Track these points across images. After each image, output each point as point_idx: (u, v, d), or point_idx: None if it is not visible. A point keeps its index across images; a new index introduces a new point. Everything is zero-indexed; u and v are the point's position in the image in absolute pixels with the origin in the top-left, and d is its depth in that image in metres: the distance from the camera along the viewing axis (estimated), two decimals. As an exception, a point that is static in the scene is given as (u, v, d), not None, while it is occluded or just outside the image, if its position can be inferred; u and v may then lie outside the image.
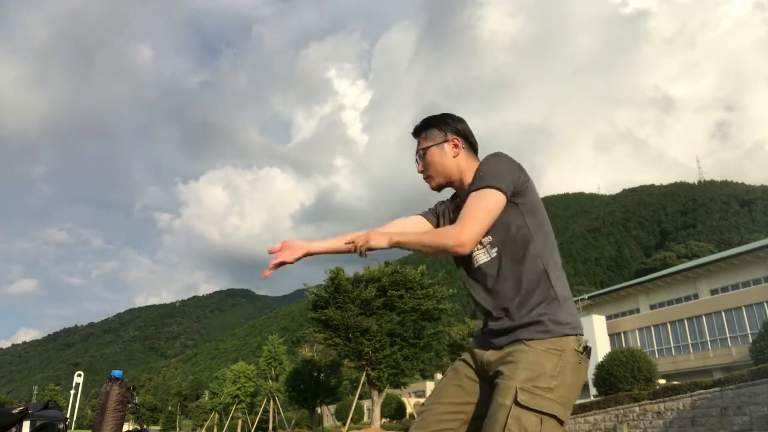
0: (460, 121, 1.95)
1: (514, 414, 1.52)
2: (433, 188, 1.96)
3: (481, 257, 1.77)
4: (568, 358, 1.60)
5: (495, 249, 1.75)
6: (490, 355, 1.71)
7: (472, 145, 1.94)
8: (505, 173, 1.71)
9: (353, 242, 1.80)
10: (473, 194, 1.71)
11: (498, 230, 1.74)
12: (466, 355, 1.83)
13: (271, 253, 1.84)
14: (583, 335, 1.68)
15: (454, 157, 1.89)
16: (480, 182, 1.71)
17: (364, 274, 22.59)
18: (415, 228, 1.95)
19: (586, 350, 1.65)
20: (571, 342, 1.63)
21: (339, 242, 1.88)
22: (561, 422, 1.56)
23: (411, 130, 2.00)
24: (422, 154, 1.94)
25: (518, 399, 1.53)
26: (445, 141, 1.90)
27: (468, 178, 1.85)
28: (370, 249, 1.79)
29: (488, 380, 1.70)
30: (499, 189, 1.68)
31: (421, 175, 1.96)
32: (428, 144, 1.92)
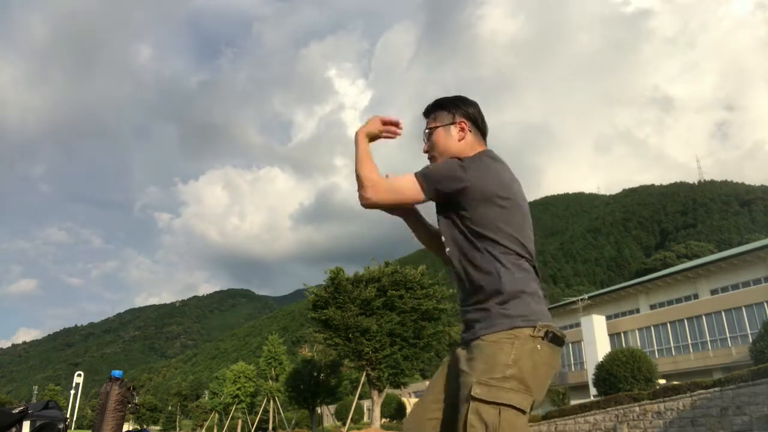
0: (472, 104, 1.95)
1: (473, 408, 1.55)
2: None
3: (447, 250, 1.84)
4: (523, 345, 1.60)
5: (447, 249, 1.81)
6: (460, 352, 1.75)
7: (480, 131, 1.95)
8: (439, 176, 1.75)
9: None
10: (401, 175, 1.79)
11: (445, 231, 1.81)
12: (451, 352, 1.88)
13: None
14: (540, 323, 1.65)
15: (459, 140, 1.90)
16: (421, 168, 1.80)
17: (364, 274, 22.60)
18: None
19: (548, 335, 1.63)
20: (525, 331, 1.63)
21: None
22: (522, 411, 1.56)
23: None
24: (428, 134, 1.96)
25: (473, 393, 1.55)
26: (453, 123, 1.91)
27: None
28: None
29: (458, 375, 1.73)
30: (420, 182, 1.75)
31: (426, 154, 1.98)
32: (435, 125, 1.94)
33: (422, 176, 1.76)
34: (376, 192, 1.76)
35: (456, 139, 1.90)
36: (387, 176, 1.83)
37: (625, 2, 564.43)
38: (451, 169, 1.74)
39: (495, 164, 1.81)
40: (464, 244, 1.76)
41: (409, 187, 1.76)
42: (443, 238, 1.83)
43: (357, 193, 1.80)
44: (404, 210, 1.97)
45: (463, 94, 2.00)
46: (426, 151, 1.97)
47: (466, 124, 1.91)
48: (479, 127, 1.94)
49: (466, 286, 1.76)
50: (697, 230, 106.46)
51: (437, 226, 1.91)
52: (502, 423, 1.52)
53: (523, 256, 1.75)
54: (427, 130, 1.96)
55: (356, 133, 1.89)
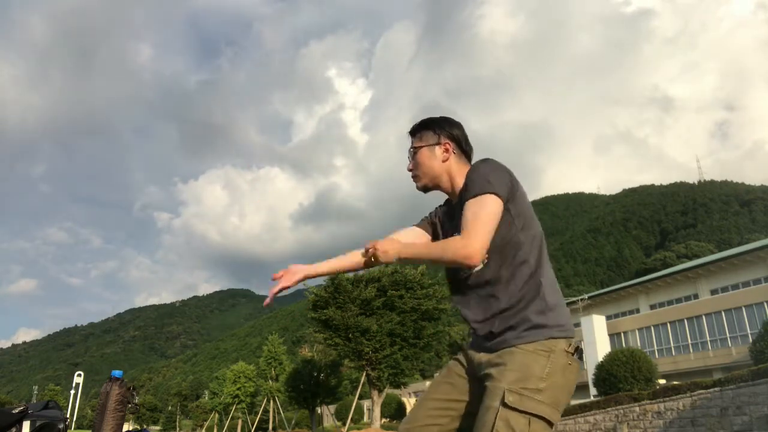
0: (457, 126, 1.96)
1: (502, 415, 1.54)
2: (418, 188, 1.98)
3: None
4: (558, 360, 1.61)
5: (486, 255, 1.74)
6: (481, 357, 1.73)
7: (464, 152, 1.95)
8: (498, 178, 1.72)
9: (371, 248, 1.75)
10: (471, 201, 1.68)
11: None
12: (459, 355, 1.86)
13: (274, 279, 1.86)
14: (573, 338, 1.68)
15: (444, 161, 1.91)
16: (476, 188, 1.70)
17: (364, 274, 22.58)
18: (414, 240, 1.96)
19: (577, 351, 1.65)
20: (560, 344, 1.63)
21: (345, 260, 1.91)
22: (550, 424, 1.57)
23: (410, 129, 2.03)
24: (413, 153, 1.97)
25: (506, 400, 1.55)
26: (437, 144, 1.92)
27: (458, 183, 1.88)
28: (378, 263, 1.76)
29: (479, 380, 1.72)
30: (497, 194, 1.68)
31: (410, 173, 1.99)
32: (420, 144, 1.95)
33: (495, 188, 1.69)
34: (476, 240, 1.62)
35: (440, 159, 1.91)
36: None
37: (625, 2, 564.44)
38: (503, 169, 1.75)
39: None
40: (508, 243, 1.72)
41: (495, 205, 1.68)
42: None
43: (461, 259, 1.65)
44: (304, 272, 1.89)
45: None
46: (410, 170, 1.98)
47: (450, 145, 1.92)
48: (463, 149, 1.95)
49: (498, 289, 1.72)
50: (697, 230, 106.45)
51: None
52: None
53: (549, 262, 1.78)
54: (412, 149, 1.98)
55: (399, 256, 1.73)
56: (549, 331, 1.63)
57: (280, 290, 1.84)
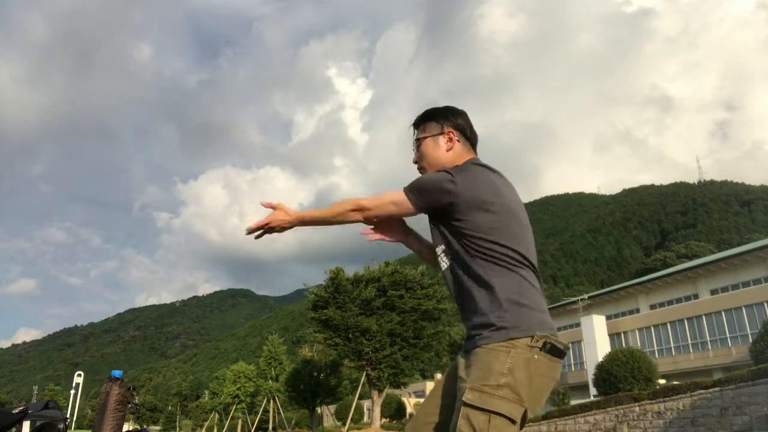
0: (461, 115, 1.97)
1: (463, 413, 1.57)
2: None
3: (442, 263, 1.86)
4: (519, 354, 1.61)
5: (445, 258, 1.84)
6: (459, 359, 1.77)
7: (469, 140, 1.96)
8: (428, 189, 1.78)
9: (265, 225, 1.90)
10: (392, 191, 1.85)
11: (444, 241, 1.83)
12: (458, 355, 1.89)
13: (263, 205, 1.92)
14: (538, 335, 1.64)
15: (448, 150, 1.92)
16: (410, 183, 1.83)
17: (364, 274, 22.60)
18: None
19: (546, 346, 1.63)
20: (522, 341, 1.63)
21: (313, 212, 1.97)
22: (512, 420, 1.56)
23: (410, 129, 2.04)
24: (417, 145, 1.99)
25: (465, 398, 1.58)
26: (441, 134, 1.94)
27: None
28: (282, 228, 1.91)
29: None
30: (408, 196, 1.80)
31: (416, 165, 2.01)
32: (424, 135, 1.97)
33: (410, 190, 1.80)
34: (364, 210, 1.84)
35: (444, 149, 1.92)
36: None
37: (626, 2, 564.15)
38: (439, 181, 1.77)
39: (484, 172, 1.82)
40: (459, 254, 1.77)
41: (399, 200, 1.81)
42: (437, 250, 1.86)
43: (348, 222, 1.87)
44: (402, 233, 2.04)
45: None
46: (415, 162, 2.00)
47: (454, 134, 1.93)
48: (468, 137, 1.96)
49: (465, 296, 1.77)
50: (697, 230, 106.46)
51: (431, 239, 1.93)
52: (490, 430, 1.54)
53: (521, 263, 1.74)
54: (416, 141, 2.00)
55: (299, 219, 1.90)
56: (507, 333, 1.64)
57: (268, 230, 1.92)
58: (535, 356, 1.62)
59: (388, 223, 2.00)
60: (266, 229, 1.90)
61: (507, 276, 1.72)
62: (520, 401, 1.57)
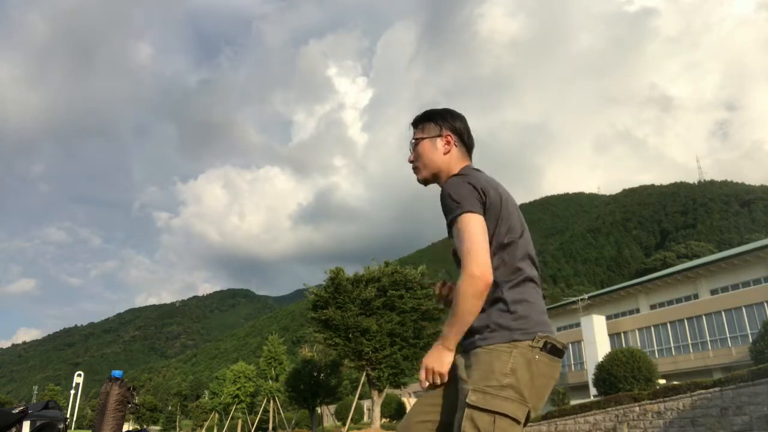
0: (459, 119, 1.97)
1: (467, 415, 1.57)
2: (419, 181, 2.00)
3: (457, 262, 1.84)
4: (521, 355, 1.62)
5: (456, 259, 1.81)
6: (458, 359, 1.76)
7: (466, 145, 1.97)
8: (469, 198, 1.72)
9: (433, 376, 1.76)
10: (455, 227, 1.71)
11: (456, 241, 1.77)
12: (456, 355, 1.88)
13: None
14: (539, 337, 1.65)
15: (444, 153, 1.92)
16: (449, 212, 1.73)
17: (364, 274, 22.60)
18: None
19: (546, 346, 1.64)
20: (524, 342, 1.64)
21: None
22: (517, 421, 1.57)
23: (412, 120, 2.05)
24: (414, 145, 1.99)
25: (468, 399, 1.58)
26: (439, 136, 1.94)
27: None
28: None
29: (457, 381, 1.75)
30: (470, 211, 1.69)
31: (411, 164, 2.00)
32: (422, 136, 1.97)
33: (470, 207, 1.71)
34: (478, 269, 1.64)
35: (441, 152, 1.92)
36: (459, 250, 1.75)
37: (628, 1, 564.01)
38: (472, 190, 1.74)
39: (484, 176, 1.86)
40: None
41: (479, 223, 1.70)
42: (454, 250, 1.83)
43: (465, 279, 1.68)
44: None
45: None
46: (411, 161, 2.00)
47: (452, 138, 1.93)
48: (465, 141, 1.96)
49: None
50: (697, 230, 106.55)
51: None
52: (495, 431, 1.54)
53: (524, 263, 1.76)
54: (413, 140, 1.99)
55: (448, 348, 1.74)
56: (511, 334, 1.65)
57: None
58: (537, 356, 1.63)
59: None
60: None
61: (511, 276, 1.73)
62: (523, 401, 1.58)
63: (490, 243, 1.73)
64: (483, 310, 1.70)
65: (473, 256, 1.65)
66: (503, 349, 1.62)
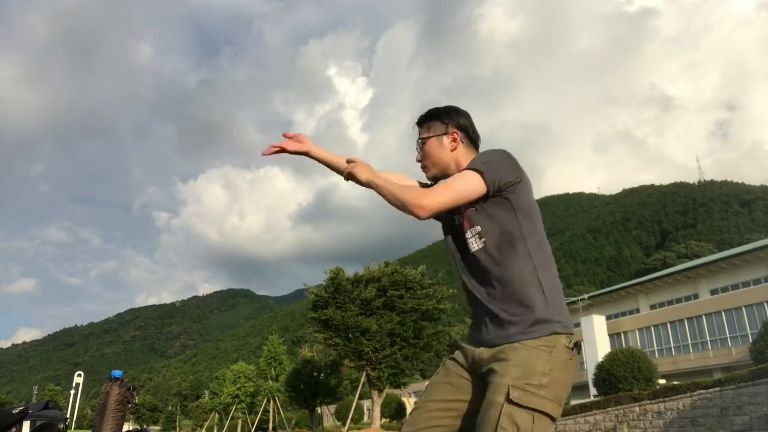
0: (464, 115, 1.97)
1: (506, 411, 1.54)
2: (429, 179, 1.99)
3: (473, 244, 1.78)
4: (559, 355, 1.61)
5: (483, 240, 1.76)
6: (482, 353, 1.71)
7: (472, 141, 1.97)
8: (495, 164, 1.72)
9: (349, 163, 1.90)
10: (457, 173, 1.78)
11: (487, 221, 1.75)
12: (457, 354, 1.85)
13: (284, 136, 2.01)
14: (573, 334, 1.69)
15: (452, 150, 1.92)
16: (468, 165, 1.76)
17: (364, 274, 22.59)
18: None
19: (576, 347, 1.67)
20: (561, 339, 1.64)
21: (337, 159, 2.03)
22: (553, 419, 1.58)
23: (411, 127, 2.04)
24: (421, 144, 1.98)
25: (510, 396, 1.54)
26: (445, 134, 1.94)
27: None
28: (351, 177, 1.88)
29: (481, 377, 1.71)
30: (481, 173, 1.69)
31: (419, 164, 2.00)
32: (428, 135, 1.96)
33: (483, 169, 1.71)
34: (433, 197, 1.69)
35: (448, 149, 1.92)
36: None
37: (628, 1, 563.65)
38: (506, 156, 1.77)
39: None
40: (509, 235, 1.72)
41: (473, 182, 1.70)
42: (470, 230, 1.78)
43: (404, 211, 1.72)
44: (306, 148, 2.05)
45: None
46: (419, 161, 1.99)
47: (458, 134, 1.93)
48: (471, 137, 1.96)
49: (498, 280, 1.71)
50: (697, 230, 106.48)
51: (469, 219, 1.82)
52: (534, 430, 1.53)
53: (551, 254, 1.78)
54: (420, 140, 1.99)
55: (367, 180, 1.82)
56: (552, 326, 1.64)
57: (281, 150, 1.99)
58: (570, 358, 1.64)
59: (299, 139, 2.05)
60: (279, 150, 2.00)
61: (548, 266, 1.73)
62: (559, 401, 1.60)
63: (529, 230, 1.72)
64: (522, 301, 1.66)
65: (442, 193, 1.70)
66: (544, 348, 1.61)
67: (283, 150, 2.00)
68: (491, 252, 1.73)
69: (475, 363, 1.74)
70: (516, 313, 1.66)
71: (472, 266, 1.79)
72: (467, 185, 1.70)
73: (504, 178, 1.71)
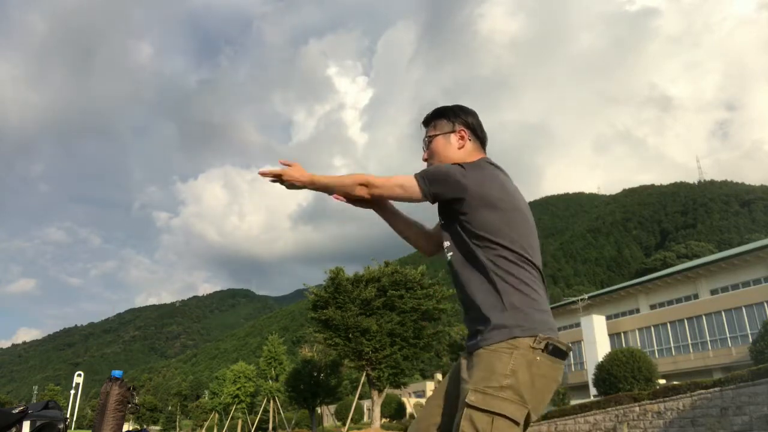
0: (471, 114, 1.98)
1: (466, 415, 1.57)
2: None
3: (447, 257, 1.85)
4: (522, 356, 1.60)
5: (450, 253, 1.83)
6: (463, 359, 1.77)
7: (480, 140, 1.97)
8: (436, 178, 1.76)
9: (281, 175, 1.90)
10: (410, 176, 1.81)
11: (448, 236, 1.84)
12: (461, 355, 1.88)
13: (280, 162, 1.94)
14: (541, 335, 1.63)
15: (459, 148, 1.93)
16: (427, 171, 1.80)
17: (364, 274, 22.60)
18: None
19: (548, 347, 1.62)
20: (524, 341, 1.62)
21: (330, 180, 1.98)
22: (515, 422, 1.56)
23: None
24: (428, 142, 1.99)
25: (467, 399, 1.57)
26: (452, 132, 1.94)
27: None
28: (292, 185, 1.89)
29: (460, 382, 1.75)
30: (419, 182, 1.76)
31: (426, 163, 2.00)
32: (435, 133, 1.97)
33: (422, 177, 1.77)
34: (371, 186, 1.81)
35: (455, 147, 1.93)
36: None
37: (629, 1, 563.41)
38: (452, 173, 1.75)
39: (496, 171, 1.83)
40: (465, 249, 1.77)
41: (408, 185, 1.78)
42: (445, 244, 1.85)
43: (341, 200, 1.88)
44: (379, 205, 2.01)
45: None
46: (425, 159, 2.00)
47: (465, 132, 1.93)
48: (478, 136, 1.96)
49: (467, 294, 1.76)
50: (697, 230, 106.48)
51: (437, 229, 1.93)
52: (493, 431, 1.54)
53: (525, 263, 1.73)
54: (426, 138, 1.99)
55: (311, 181, 1.88)
56: (510, 331, 1.63)
57: (277, 178, 1.91)
58: (537, 358, 1.61)
59: (297, 170, 1.98)
60: (278, 179, 1.91)
61: (511, 275, 1.71)
62: (522, 403, 1.57)
63: (496, 239, 1.71)
64: (484, 309, 1.69)
65: (383, 180, 1.81)
66: (504, 350, 1.61)
67: (278, 178, 1.90)
68: (455, 264, 1.80)
69: (459, 369, 1.78)
70: (478, 319, 1.71)
71: (452, 276, 1.86)
72: (404, 184, 1.78)
73: (445, 194, 1.76)
